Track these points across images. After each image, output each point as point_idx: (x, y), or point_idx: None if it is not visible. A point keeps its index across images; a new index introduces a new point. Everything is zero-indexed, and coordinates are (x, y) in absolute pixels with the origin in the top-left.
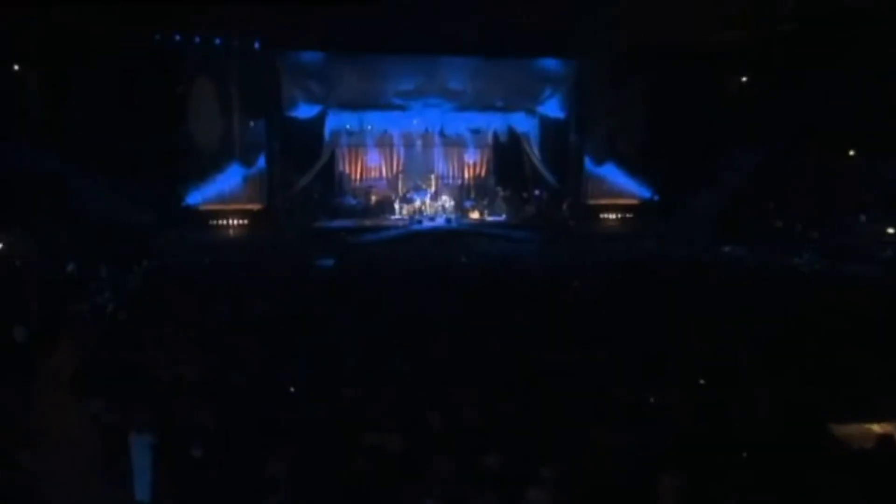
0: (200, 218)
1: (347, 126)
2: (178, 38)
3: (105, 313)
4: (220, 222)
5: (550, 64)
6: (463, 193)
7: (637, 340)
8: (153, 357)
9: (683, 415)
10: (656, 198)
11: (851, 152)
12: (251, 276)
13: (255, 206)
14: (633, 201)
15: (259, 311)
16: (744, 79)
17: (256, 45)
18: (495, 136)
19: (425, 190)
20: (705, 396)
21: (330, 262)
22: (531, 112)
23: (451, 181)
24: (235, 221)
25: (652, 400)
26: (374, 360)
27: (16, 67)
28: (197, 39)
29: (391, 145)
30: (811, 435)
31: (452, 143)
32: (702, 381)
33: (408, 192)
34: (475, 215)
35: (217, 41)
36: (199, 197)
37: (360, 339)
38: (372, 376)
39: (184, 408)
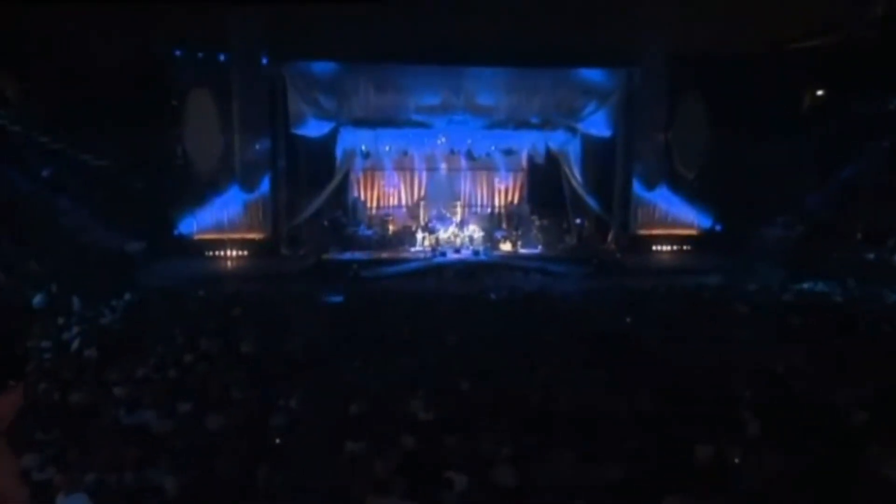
0: (195, 248)
1: (362, 146)
2: (172, 46)
3: (69, 351)
4: (216, 253)
5: (595, 74)
6: (493, 222)
7: (708, 392)
8: (113, 404)
9: (775, 481)
10: (718, 227)
11: None
12: (247, 312)
13: (257, 236)
14: (692, 231)
15: (251, 352)
16: (820, 91)
17: (259, 54)
18: (530, 157)
19: (450, 218)
20: (796, 459)
21: (339, 297)
22: (572, 130)
23: (479, 209)
24: (234, 252)
25: (736, 461)
26: (383, 409)
27: None
28: (194, 50)
29: (411, 168)
30: None
31: (481, 166)
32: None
33: (430, 220)
34: (507, 247)
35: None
36: (194, 224)
37: (367, 384)
38: (380, 428)
39: (138, 465)
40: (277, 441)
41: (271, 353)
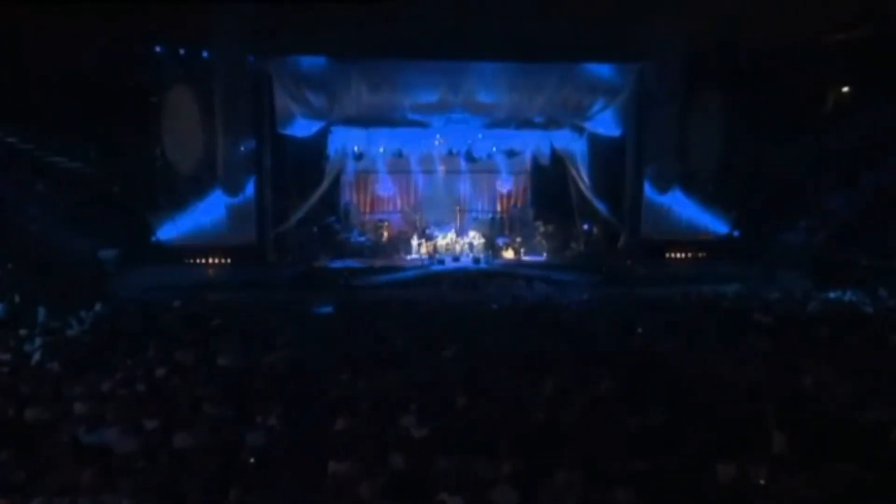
0: (174, 255)
1: (354, 147)
2: (150, 40)
3: (30, 364)
4: (197, 261)
5: (603, 70)
6: (494, 228)
7: (729, 408)
8: (72, 421)
9: None
10: (736, 233)
11: None
12: (228, 323)
13: (241, 242)
14: (708, 237)
15: (230, 365)
16: (846, 88)
17: (243, 49)
18: (534, 158)
19: (449, 224)
20: (826, 481)
21: (328, 308)
22: (578, 129)
23: (480, 214)
24: (217, 260)
25: (761, 482)
26: (371, 426)
27: None
28: (174, 44)
29: (407, 170)
30: None
31: (482, 168)
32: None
33: (427, 226)
34: (509, 254)
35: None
36: (174, 230)
37: (355, 399)
38: (367, 446)
39: (94, 488)
40: (251, 461)
41: (252, 367)
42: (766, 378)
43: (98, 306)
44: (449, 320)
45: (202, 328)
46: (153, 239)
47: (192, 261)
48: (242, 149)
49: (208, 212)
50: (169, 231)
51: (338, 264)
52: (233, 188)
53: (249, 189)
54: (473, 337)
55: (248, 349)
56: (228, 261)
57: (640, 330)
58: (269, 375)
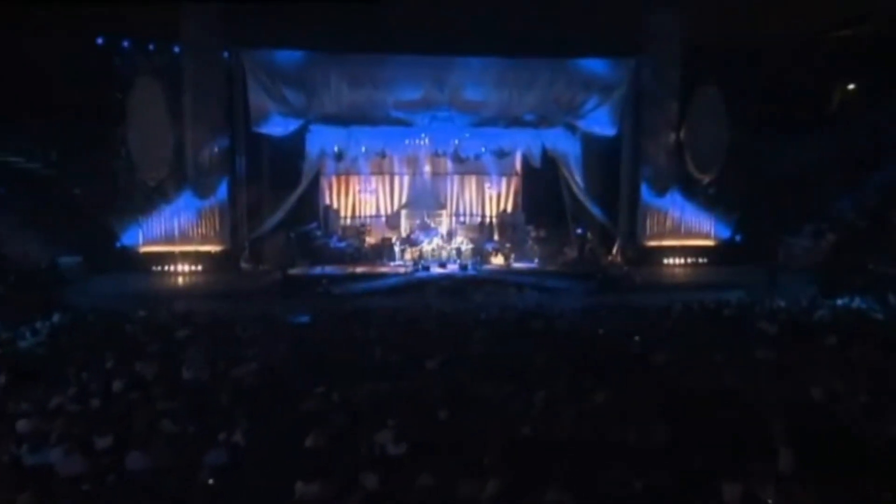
0: (140, 262)
1: (334, 146)
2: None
3: None
4: (166, 268)
5: (597, 65)
6: (483, 233)
7: (734, 422)
8: (13, 440)
9: None
10: (738, 237)
11: None
12: (196, 334)
13: (213, 248)
14: (708, 242)
15: (195, 378)
16: (852, 86)
17: (215, 41)
18: (525, 159)
19: (435, 229)
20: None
21: (305, 317)
22: (571, 128)
23: (468, 218)
24: (187, 267)
25: (769, 501)
26: (345, 443)
27: None
28: (141, 35)
29: (391, 172)
30: None
31: (470, 169)
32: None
33: (412, 231)
34: (499, 260)
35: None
36: (140, 235)
37: (329, 413)
38: (339, 465)
39: None
40: (210, 482)
41: (218, 380)
42: (772, 390)
43: (56, 316)
44: (433, 330)
45: (167, 339)
46: (118, 245)
47: (159, 268)
48: (214, 148)
49: (177, 215)
50: (135, 236)
51: (316, 271)
52: (204, 190)
53: (222, 191)
54: (459, 347)
55: (216, 361)
56: (199, 268)
57: (637, 339)
58: (236, 389)
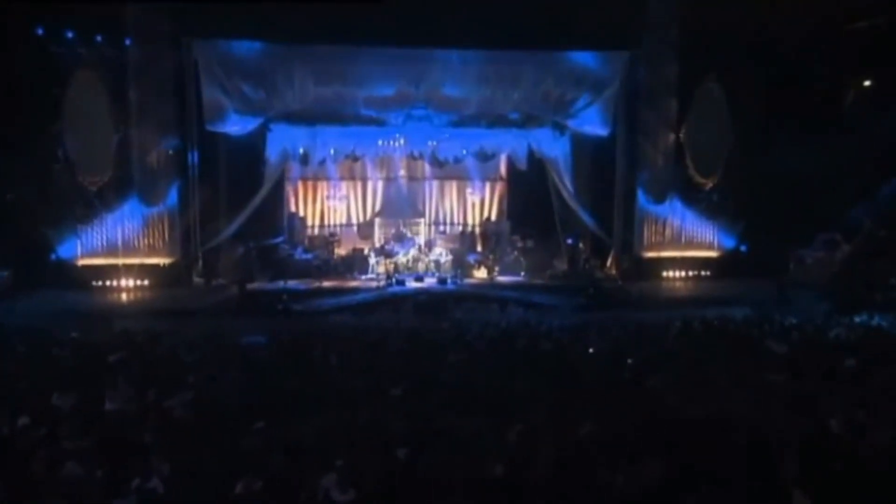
0: (79, 276)
1: (299, 148)
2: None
3: None
4: (108, 283)
5: (588, 59)
6: (465, 244)
7: (739, 457)
8: None
9: None
10: (744, 248)
11: None
12: (129, 359)
13: (162, 261)
14: (711, 253)
15: (117, 411)
16: (868, 82)
17: (164, 29)
18: (510, 162)
19: (411, 239)
20: None
21: (259, 338)
22: (560, 128)
23: (448, 227)
24: (132, 282)
25: None
26: (281, 489)
27: None
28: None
29: (363, 176)
30: None
31: (450, 174)
32: None
33: (387, 241)
34: (482, 273)
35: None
36: (79, 247)
37: (268, 453)
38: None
39: None
40: None
41: (145, 412)
42: (782, 421)
43: None
44: (402, 351)
45: (97, 364)
46: (53, 257)
47: (100, 283)
48: (163, 149)
49: (121, 224)
50: (72, 248)
51: (278, 286)
52: (151, 196)
53: (171, 197)
54: (429, 372)
55: (147, 390)
56: (145, 283)
57: (630, 361)
58: (164, 423)
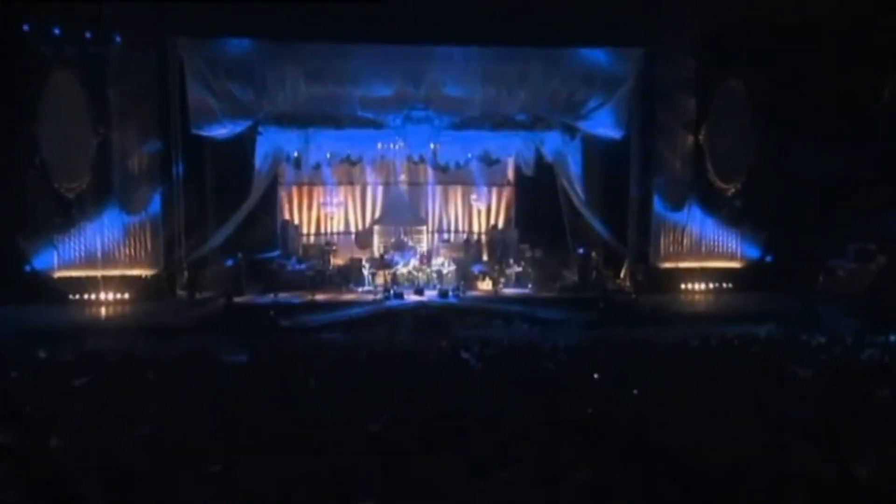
0: (54, 290)
1: (292, 151)
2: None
3: None
4: (86, 296)
5: (600, 56)
6: (469, 254)
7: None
8: None
9: None
10: (769, 258)
11: None
12: (95, 382)
13: (144, 272)
14: (733, 264)
15: (61, 448)
16: None
17: (146, 26)
18: (517, 167)
19: (412, 248)
20: None
21: (242, 356)
22: (571, 131)
23: (451, 235)
24: (111, 295)
25: None
26: None
27: None
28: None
29: (361, 181)
30: None
31: (453, 179)
32: None
33: (386, 251)
34: (486, 286)
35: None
36: (55, 258)
37: (225, 498)
38: None
39: None
40: None
41: (90, 451)
42: (806, 462)
43: None
44: (390, 376)
45: (56, 390)
46: (27, 269)
47: (77, 297)
48: (145, 154)
49: (100, 234)
50: (48, 259)
51: (270, 299)
52: (133, 204)
53: (154, 205)
54: (414, 401)
55: (103, 421)
56: (126, 296)
57: (635, 392)
58: (108, 466)
